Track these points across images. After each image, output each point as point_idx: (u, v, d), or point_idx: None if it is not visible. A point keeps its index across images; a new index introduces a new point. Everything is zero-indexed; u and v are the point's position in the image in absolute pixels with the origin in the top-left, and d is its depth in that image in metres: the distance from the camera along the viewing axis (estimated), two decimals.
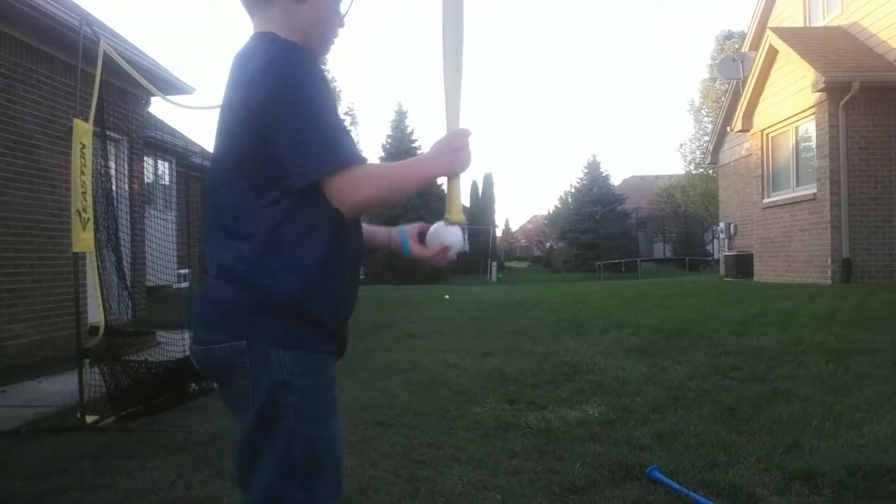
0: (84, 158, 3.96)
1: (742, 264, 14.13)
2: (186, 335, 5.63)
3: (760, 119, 12.67)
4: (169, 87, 7.94)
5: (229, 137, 1.35)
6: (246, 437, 1.37)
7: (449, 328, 8.49)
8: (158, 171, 10.79)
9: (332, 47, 1.50)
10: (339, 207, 1.31)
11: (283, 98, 1.28)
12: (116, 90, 6.92)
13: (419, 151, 33.56)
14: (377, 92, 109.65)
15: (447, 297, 14.07)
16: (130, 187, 7.61)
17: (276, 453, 1.34)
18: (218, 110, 1.41)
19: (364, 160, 1.31)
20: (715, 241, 22.94)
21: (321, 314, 1.36)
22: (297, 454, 1.33)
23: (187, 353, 5.34)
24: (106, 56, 4.31)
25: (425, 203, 32.08)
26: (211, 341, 1.36)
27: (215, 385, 1.48)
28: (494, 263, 32.18)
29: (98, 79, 4.20)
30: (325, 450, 1.38)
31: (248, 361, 1.32)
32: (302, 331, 1.35)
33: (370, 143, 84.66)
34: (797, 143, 11.65)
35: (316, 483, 1.35)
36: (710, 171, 24.12)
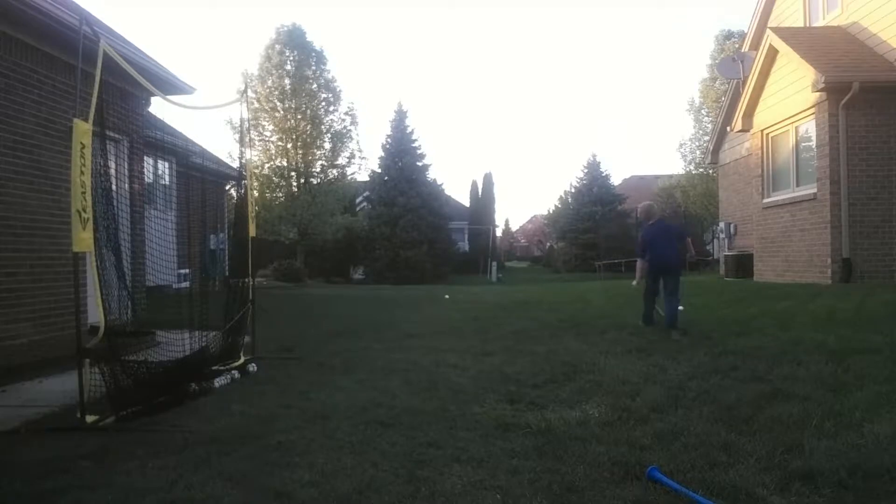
0: (84, 158, 3.95)
1: (742, 264, 14.14)
2: (186, 335, 5.65)
3: (760, 119, 12.67)
4: (169, 87, 7.93)
5: (673, 235, 7.80)
6: (676, 284, 7.44)
7: (449, 328, 8.49)
8: (158, 171, 10.78)
9: None
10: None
11: (684, 233, 8.43)
12: (116, 90, 6.93)
13: (419, 151, 33.67)
14: (377, 92, 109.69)
15: (447, 297, 14.07)
16: (130, 187, 7.60)
17: (677, 282, 7.52)
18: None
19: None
20: (715, 240, 22.91)
21: None
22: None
23: (188, 352, 5.36)
24: (106, 56, 4.31)
25: (424, 203, 32.13)
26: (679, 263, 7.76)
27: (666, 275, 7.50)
28: (494, 263, 32.16)
29: (98, 79, 4.19)
30: None
31: (680, 267, 7.69)
32: None
33: (370, 142, 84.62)
34: (797, 143, 11.65)
35: None
36: (710, 171, 24.11)
